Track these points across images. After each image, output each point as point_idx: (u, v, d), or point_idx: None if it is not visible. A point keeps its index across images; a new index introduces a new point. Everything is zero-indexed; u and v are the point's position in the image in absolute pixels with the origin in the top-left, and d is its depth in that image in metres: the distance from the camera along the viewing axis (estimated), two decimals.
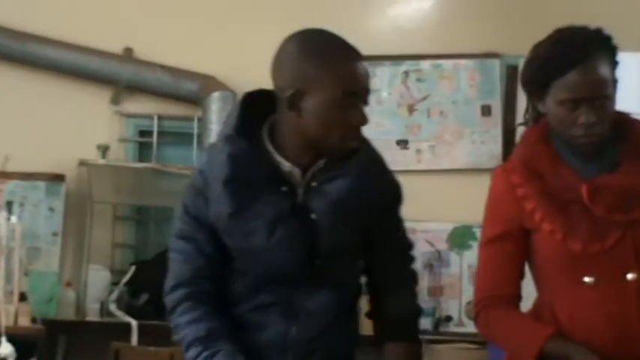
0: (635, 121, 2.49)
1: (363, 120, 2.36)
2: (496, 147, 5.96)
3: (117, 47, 6.03)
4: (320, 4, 5.94)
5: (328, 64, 2.31)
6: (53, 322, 5.48)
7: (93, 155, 5.86)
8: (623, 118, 2.47)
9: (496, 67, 6.02)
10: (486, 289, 2.49)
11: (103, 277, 5.74)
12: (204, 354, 2.35)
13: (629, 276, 2.36)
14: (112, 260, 5.99)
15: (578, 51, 2.36)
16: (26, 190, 5.85)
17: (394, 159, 5.88)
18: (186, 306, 2.41)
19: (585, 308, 2.37)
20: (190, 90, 5.96)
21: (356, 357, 2.53)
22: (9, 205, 5.76)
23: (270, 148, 2.40)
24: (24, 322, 5.34)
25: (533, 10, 5.93)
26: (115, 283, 5.71)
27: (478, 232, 2.57)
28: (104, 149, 5.89)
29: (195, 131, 5.99)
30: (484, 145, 5.98)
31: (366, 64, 2.37)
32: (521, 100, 3.28)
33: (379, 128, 5.73)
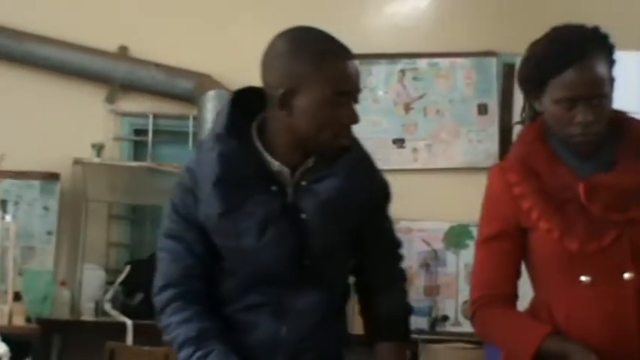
0: (631, 119, 2.49)
1: (354, 118, 2.36)
2: (493, 146, 5.96)
3: (112, 46, 6.02)
4: (316, 3, 5.93)
5: (319, 63, 2.30)
6: (48, 322, 5.48)
7: (88, 154, 5.85)
8: (620, 117, 2.46)
9: (493, 65, 6.01)
10: (483, 288, 2.48)
11: (97, 277, 5.74)
12: (197, 354, 2.33)
13: (626, 275, 2.35)
14: (107, 259, 5.98)
15: (575, 49, 2.35)
16: (21, 188, 5.84)
17: (390, 158, 6.00)
18: (176, 306, 2.39)
19: (582, 307, 2.36)
20: (185, 88, 5.95)
21: (345, 357, 2.52)
22: (3, 204, 5.76)
23: (260, 147, 2.39)
24: (18, 321, 5.33)
25: (529, 8, 5.92)
26: (109, 283, 5.70)
27: (475, 231, 2.57)
28: (99, 148, 5.88)
29: (191, 130, 5.97)
30: (481, 143, 5.98)
31: (360, 62, 2.36)
32: (518, 99, 3.27)
33: (375, 127, 5.70)
